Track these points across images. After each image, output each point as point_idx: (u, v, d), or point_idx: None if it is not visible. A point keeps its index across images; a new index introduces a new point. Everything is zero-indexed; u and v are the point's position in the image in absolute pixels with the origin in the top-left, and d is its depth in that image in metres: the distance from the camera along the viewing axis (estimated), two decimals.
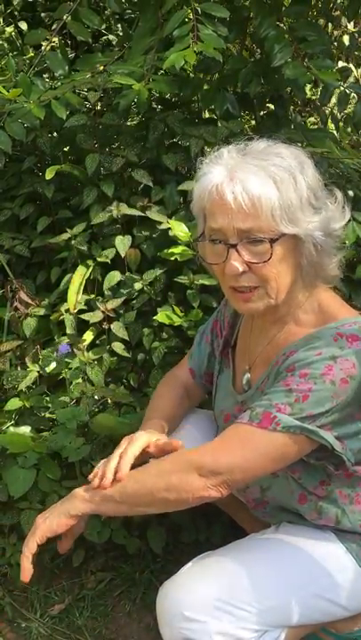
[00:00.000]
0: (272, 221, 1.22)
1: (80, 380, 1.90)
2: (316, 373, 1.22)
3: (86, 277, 1.99)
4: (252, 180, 1.21)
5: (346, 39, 2.82)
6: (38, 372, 1.95)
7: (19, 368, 1.99)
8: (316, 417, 1.22)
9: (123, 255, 1.97)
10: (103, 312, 1.95)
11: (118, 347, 1.94)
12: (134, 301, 1.96)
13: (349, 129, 2.50)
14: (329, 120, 2.71)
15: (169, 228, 1.93)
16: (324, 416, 1.23)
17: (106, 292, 1.98)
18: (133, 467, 1.32)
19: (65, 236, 2.02)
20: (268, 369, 1.37)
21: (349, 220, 1.82)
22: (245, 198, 1.20)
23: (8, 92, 1.92)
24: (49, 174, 1.98)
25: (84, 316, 1.96)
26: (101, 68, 2.07)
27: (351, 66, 2.92)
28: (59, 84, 2.23)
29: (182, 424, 1.62)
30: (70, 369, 1.88)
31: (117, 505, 1.29)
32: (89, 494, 1.30)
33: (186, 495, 1.24)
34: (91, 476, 1.33)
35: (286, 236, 1.24)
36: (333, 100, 2.48)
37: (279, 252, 1.25)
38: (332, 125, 2.72)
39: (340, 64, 2.87)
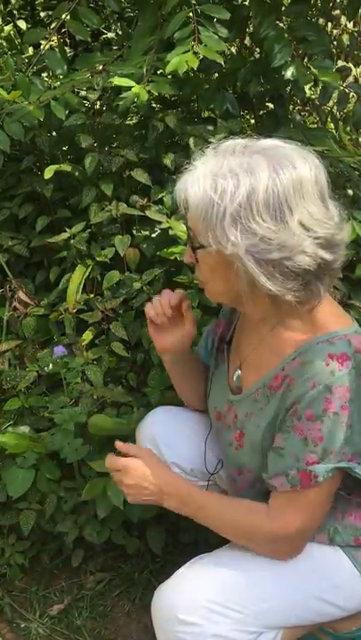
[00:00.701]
0: (199, 231, 1.21)
1: (79, 380, 1.89)
2: (319, 411, 1.24)
3: (85, 277, 1.99)
4: (195, 187, 1.19)
5: (345, 38, 2.82)
6: (37, 371, 1.94)
7: (17, 368, 1.98)
8: (339, 450, 1.25)
9: (122, 255, 1.96)
10: (102, 312, 1.95)
11: (117, 346, 1.93)
12: (133, 301, 1.96)
13: (348, 128, 2.49)
14: (328, 119, 2.71)
15: (168, 228, 1.92)
16: (347, 445, 1.25)
17: (105, 292, 1.98)
18: None
19: (64, 236, 2.01)
20: (262, 379, 1.36)
21: (348, 220, 1.83)
22: (185, 204, 1.22)
23: (8, 92, 1.92)
24: (48, 174, 1.98)
25: (84, 316, 1.96)
26: (100, 67, 2.06)
27: (351, 65, 2.91)
28: (57, 83, 2.23)
29: (178, 426, 1.65)
30: (69, 369, 1.88)
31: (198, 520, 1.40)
32: (187, 503, 1.39)
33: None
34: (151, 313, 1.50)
35: (211, 249, 1.19)
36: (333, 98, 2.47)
37: (208, 262, 1.25)
38: (332, 125, 2.71)
39: (340, 63, 2.87)
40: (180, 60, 1.65)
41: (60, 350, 1.81)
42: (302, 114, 3.01)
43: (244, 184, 1.14)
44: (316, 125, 2.94)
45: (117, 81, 1.82)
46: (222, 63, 1.74)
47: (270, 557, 1.34)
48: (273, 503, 1.33)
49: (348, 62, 2.92)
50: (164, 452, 1.65)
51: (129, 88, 1.79)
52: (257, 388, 1.37)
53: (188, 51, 1.67)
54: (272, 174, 1.14)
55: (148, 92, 1.85)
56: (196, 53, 1.65)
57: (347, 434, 1.24)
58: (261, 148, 1.20)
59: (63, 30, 2.29)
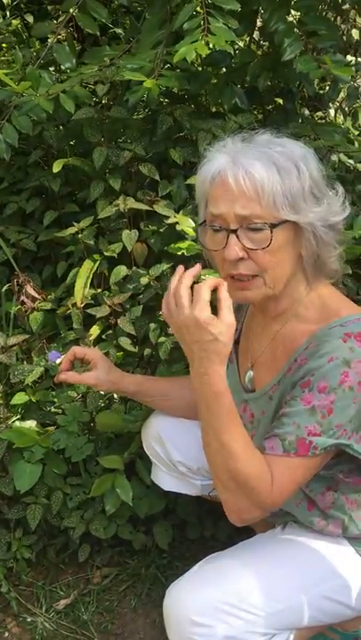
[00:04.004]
0: (273, 207, 1.21)
1: None
2: (335, 384, 1.20)
3: (93, 272, 1.98)
4: (256, 166, 1.20)
5: (355, 33, 2.80)
6: (44, 366, 1.94)
7: (25, 362, 1.98)
8: (344, 426, 1.21)
9: (129, 249, 1.95)
10: (110, 306, 1.94)
11: (125, 341, 1.93)
12: (141, 296, 1.95)
13: (358, 123, 2.48)
14: (337, 114, 2.69)
15: (176, 223, 1.91)
16: (351, 423, 1.22)
17: (112, 287, 1.98)
18: None
19: (71, 230, 2.00)
20: (277, 376, 1.34)
21: (358, 215, 1.83)
22: (247, 183, 1.20)
23: (17, 84, 1.90)
24: (56, 168, 1.97)
25: (91, 311, 1.95)
26: (108, 61, 2.05)
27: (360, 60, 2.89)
28: (65, 77, 2.22)
29: (184, 424, 1.64)
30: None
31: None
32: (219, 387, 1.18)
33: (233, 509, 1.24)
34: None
35: (287, 224, 1.23)
36: (341, 94, 2.46)
37: (279, 240, 1.23)
38: (340, 120, 2.70)
39: (349, 58, 2.85)
40: (188, 49, 1.62)
41: (54, 356, 1.77)
42: (310, 109, 2.99)
43: (303, 161, 1.24)
44: (323, 120, 2.93)
45: (129, 75, 1.81)
46: (232, 53, 1.72)
47: (230, 506, 1.23)
48: (271, 469, 1.21)
49: (357, 57, 2.89)
50: (170, 450, 1.64)
51: (139, 82, 1.78)
52: (271, 385, 1.36)
53: (197, 41, 1.65)
54: (311, 152, 1.29)
55: (158, 86, 1.84)
56: (206, 43, 1.63)
57: (356, 411, 1.21)
58: (273, 136, 1.30)
59: (70, 24, 2.27)
